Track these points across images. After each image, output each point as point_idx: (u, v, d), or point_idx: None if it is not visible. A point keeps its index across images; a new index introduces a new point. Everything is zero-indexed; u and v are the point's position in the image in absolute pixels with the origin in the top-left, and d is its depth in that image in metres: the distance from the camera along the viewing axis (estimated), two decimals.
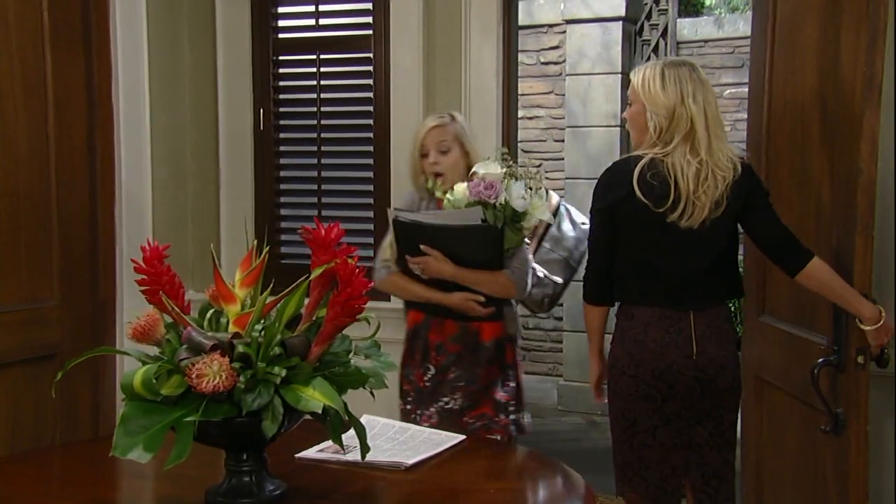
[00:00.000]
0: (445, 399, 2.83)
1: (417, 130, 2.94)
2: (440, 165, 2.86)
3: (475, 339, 2.83)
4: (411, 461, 1.91)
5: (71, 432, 3.14)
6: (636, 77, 2.54)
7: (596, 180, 2.60)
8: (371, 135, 3.61)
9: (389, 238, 2.85)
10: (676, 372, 2.46)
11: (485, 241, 2.74)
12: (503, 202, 2.67)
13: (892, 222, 3.00)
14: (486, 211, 2.68)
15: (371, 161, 3.60)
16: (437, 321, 2.83)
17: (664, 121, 2.45)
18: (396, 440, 2.06)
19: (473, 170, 2.78)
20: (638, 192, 2.42)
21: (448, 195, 2.76)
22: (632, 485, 2.54)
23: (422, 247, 2.73)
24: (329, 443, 1.92)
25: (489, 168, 2.73)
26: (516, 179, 2.69)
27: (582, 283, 2.62)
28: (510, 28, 3.44)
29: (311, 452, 1.97)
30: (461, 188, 2.74)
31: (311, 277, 1.65)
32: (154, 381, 1.55)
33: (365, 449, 1.68)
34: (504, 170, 2.71)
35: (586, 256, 2.69)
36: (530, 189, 2.71)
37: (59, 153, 3.16)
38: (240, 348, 1.56)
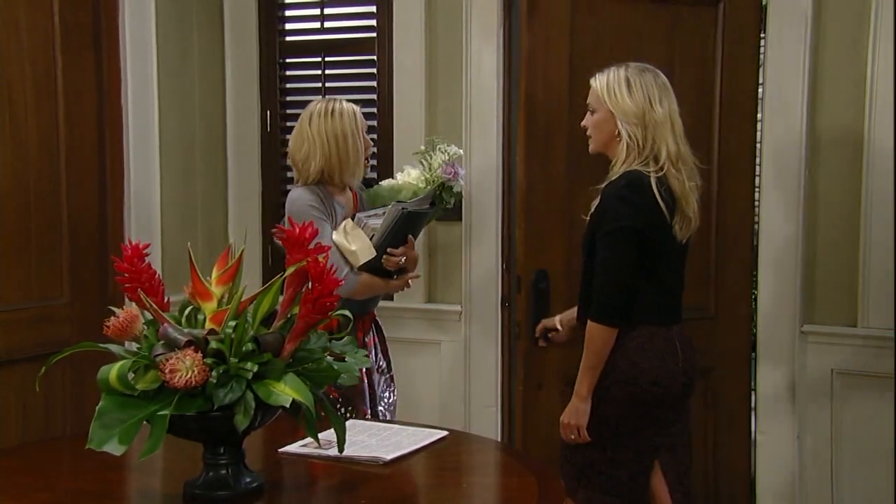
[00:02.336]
0: (386, 396, 2.94)
1: (344, 115, 2.84)
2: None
3: (378, 326, 2.98)
4: (390, 456, 1.94)
5: (80, 426, 3.20)
6: (599, 83, 2.51)
7: None
8: (375, 136, 3.65)
9: (359, 243, 2.76)
10: (671, 378, 2.49)
11: (428, 221, 2.92)
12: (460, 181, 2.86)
13: (891, 222, 3.01)
14: (443, 191, 2.83)
15: (375, 161, 3.64)
16: (357, 318, 2.79)
17: (636, 129, 2.44)
18: (379, 436, 2.10)
19: (401, 180, 2.91)
20: (664, 211, 2.43)
21: (409, 180, 2.87)
22: (593, 484, 2.51)
23: (409, 237, 2.81)
24: None
25: (411, 175, 2.88)
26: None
27: (600, 304, 2.47)
28: (511, 30, 3.46)
29: (294, 447, 2.02)
30: (415, 173, 2.87)
31: (284, 276, 1.69)
32: (131, 375, 1.60)
33: (341, 443, 1.73)
34: (459, 151, 2.89)
35: None
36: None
37: (68, 154, 3.24)
38: (213, 344, 1.61)
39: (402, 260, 2.80)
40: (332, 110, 2.83)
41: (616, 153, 2.49)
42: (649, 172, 2.43)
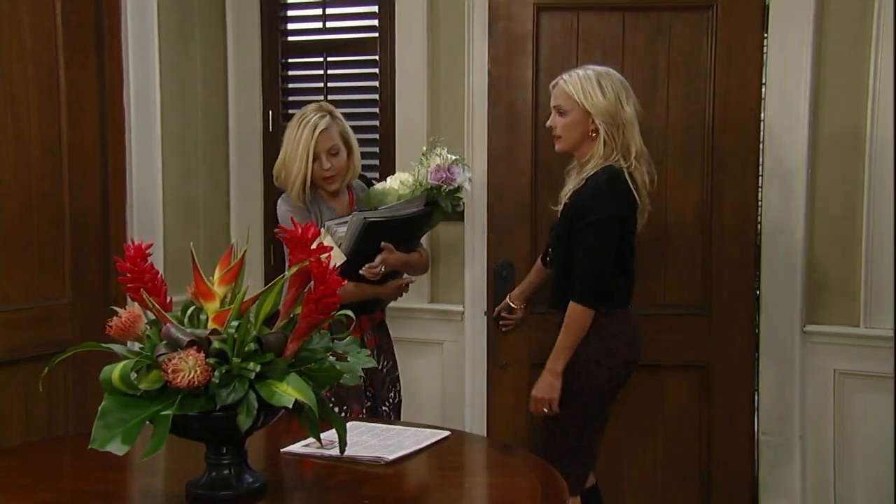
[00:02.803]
0: (391, 395, 2.93)
1: (305, 125, 2.76)
2: (333, 168, 2.78)
3: (381, 326, 2.95)
4: (392, 456, 1.94)
5: (82, 426, 3.21)
6: (572, 85, 2.60)
7: None
8: (377, 136, 3.66)
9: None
10: (634, 360, 2.70)
11: (428, 224, 2.89)
12: (456, 185, 2.81)
13: (891, 221, 3.02)
14: (438, 194, 2.79)
15: (377, 161, 3.65)
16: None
17: (612, 127, 2.57)
18: (381, 436, 2.10)
19: (388, 184, 2.86)
20: (638, 201, 2.63)
21: (393, 185, 2.83)
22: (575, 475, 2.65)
23: (382, 244, 2.72)
24: None
25: (396, 180, 2.85)
26: (461, 164, 2.84)
27: (588, 288, 2.60)
28: None
29: (296, 447, 2.01)
30: (402, 177, 2.83)
31: (286, 276, 1.69)
32: (134, 375, 1.60)
33: (343, 444, 1.73)
34: (455, 157, 2.84)
35: None
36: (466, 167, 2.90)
37: (71, 154, 3.24)
38: (216, 344, 1.61)
39: (382, 269, 2.73)
40: (304, 116, 2.79)
41: (587, 152, 2.61)
42: (623, 167, 2.59)
